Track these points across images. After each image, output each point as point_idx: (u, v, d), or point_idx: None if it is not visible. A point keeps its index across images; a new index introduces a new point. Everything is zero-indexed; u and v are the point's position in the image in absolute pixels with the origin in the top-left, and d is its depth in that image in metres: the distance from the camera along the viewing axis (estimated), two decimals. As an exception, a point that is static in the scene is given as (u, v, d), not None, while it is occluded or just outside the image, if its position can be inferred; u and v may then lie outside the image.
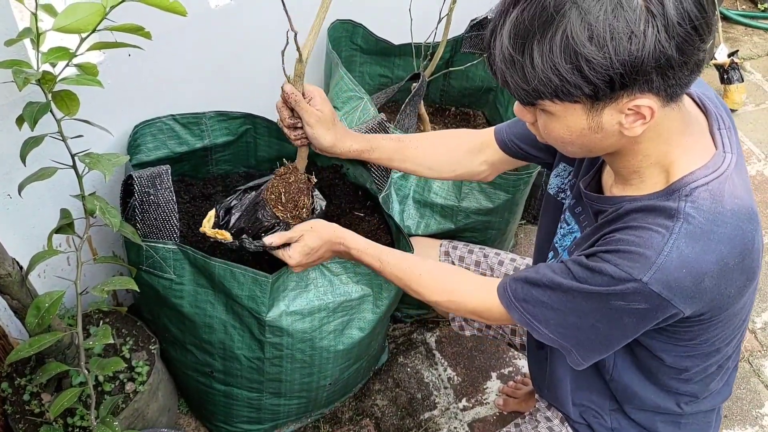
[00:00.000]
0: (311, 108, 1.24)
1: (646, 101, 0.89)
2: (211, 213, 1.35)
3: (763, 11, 3.21)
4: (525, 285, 1.09)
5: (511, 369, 1.92)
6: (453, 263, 1.59)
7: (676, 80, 0.88)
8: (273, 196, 1.31)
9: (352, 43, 1.90)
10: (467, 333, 1.61)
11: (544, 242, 1.30)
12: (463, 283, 1.22)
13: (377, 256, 1.26)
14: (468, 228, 1.71)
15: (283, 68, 1.18)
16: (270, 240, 1.28)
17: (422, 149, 1.37)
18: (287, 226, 1.31)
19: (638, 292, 0.95)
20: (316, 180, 1.36)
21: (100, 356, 1.43)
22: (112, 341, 1.18)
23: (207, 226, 1.34)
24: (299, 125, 1.26)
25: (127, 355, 1.46)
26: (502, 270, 1.56)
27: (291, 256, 1.27)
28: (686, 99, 1.00)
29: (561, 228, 1.24)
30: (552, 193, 1.27)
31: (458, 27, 1.93)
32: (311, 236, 1.27)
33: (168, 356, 1.57)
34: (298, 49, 1.15)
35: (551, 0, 0.85)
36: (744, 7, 3.27)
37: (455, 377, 1.89)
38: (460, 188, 1.65)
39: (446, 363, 1.92)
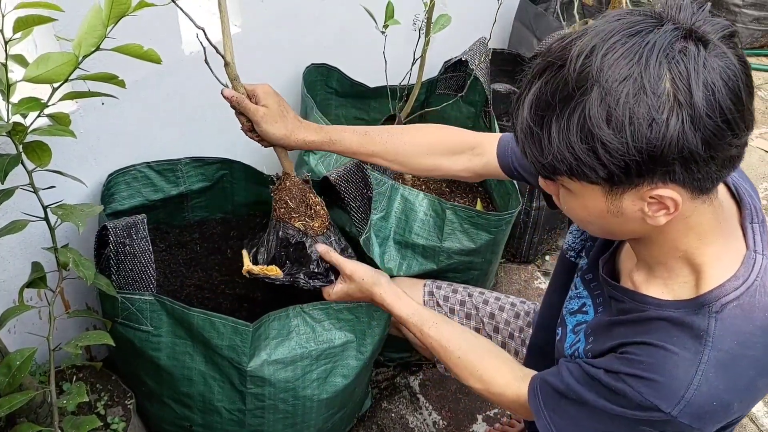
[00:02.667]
0: (254, 106, 1.24)
1: (669, 192, 0.84)
2: (244, 251, 1.35)
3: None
4: (554, 395, 1.06)
5: (496, 410, 1.89)
6: (437, 303, 1.57)
7: (702, 174, 0.83)
8: (283, 210, 1.30)
9: (328, 87, 1.91)
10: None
11: (554, 302, 1.27)
12: (498, 375, 1.20)
13: (419, 326, 1.27)
14: (450, 268, 1.70)
15: (215, 76, 1.20)
16: (323, 249, 1.33)
17: (392, 145, 1.33)
18: (314, 237, 1.33)
19: (666, 422, 0.92)
20: (309, 174, 1.37)
21: (74, 414, 1.38)
22: (87, 399, 1.14)
23: (249, 264, 1.32)
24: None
25: (102, 412, 1.41)
26: (487, 309, 1.55)
27: (330, 294, 1.33)
28: (720, 186, 0.95)
29: (570, 290, 1.20)
30: (567, 252, 1.24)
31: (433, 69, 1.95)
32: (355, 287, 1.32)
33: (145, 411, 1.52)
34: (220, 54, 1.18)
35: (574, 76, 0.82)
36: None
37: (440, 421, 1.85)
38: (441, 229, 1.64)
39: (431, 407, 1.89)
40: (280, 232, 1.31)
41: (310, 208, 1.33)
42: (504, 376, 1.19)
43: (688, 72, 0.79)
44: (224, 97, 1.23)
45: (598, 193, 0.88)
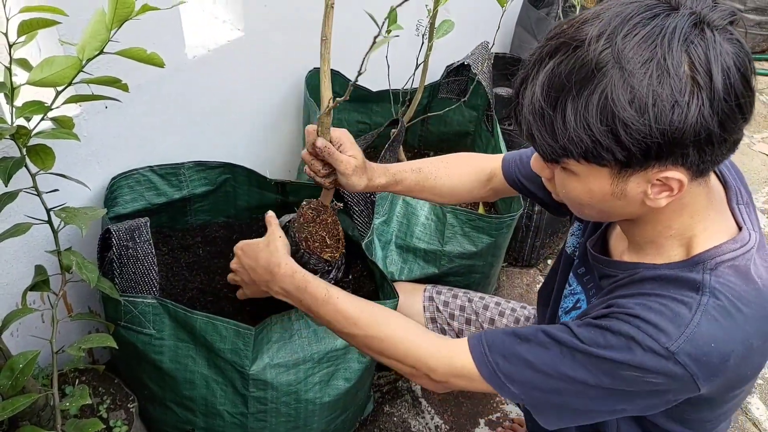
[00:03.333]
0: (344, 156, 1.16)
1: (677, 174, 0.84)
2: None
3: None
4: (507, 338, 0.99)
5: (498, 415, 1.88)
6: (437, 308, 1.57)
7: (711, 157, 0.84)
8: (317, 244, 1.25)
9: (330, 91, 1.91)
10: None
11: (549, 299, 1.26)
12: (420, 328, 1.10)
13: (324, 285, 1.14)
14: (452, 272, 1.70)
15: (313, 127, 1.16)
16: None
17: (440, 179, 1.31)
18: (337, 267, 1.31)
19: (661, 364, 0.88)
20: (341, 205, 1.32)
21: (76, 417, 1.38)
22: (89, 402, 1.14)
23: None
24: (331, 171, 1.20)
25: (105, 415, 1.41)
26: (487, 315, 1.54)
27: (241, 241, 1.24)
28: None
29: (565, 288, 1.19)
30: (569, 252, 1.23)
31: (435, 73, 1.96)
32: (267, 243, 1.20)
33: (147, 415, 1.52)
34: (313, 99, 1.12)
35: (593, 56, 0.81)
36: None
37: (443, 425, 1.85)
38: (443, 233, 1.65)
39: (433, 411, 1.88)
40: (310, 264, 1.26)
41: (339, 241, 1.29)
42: (427, 333, 1.09)
43: (707, 56, 0.80)
44: (316, 146, 1.15)
45: (605, 176, 0.87)
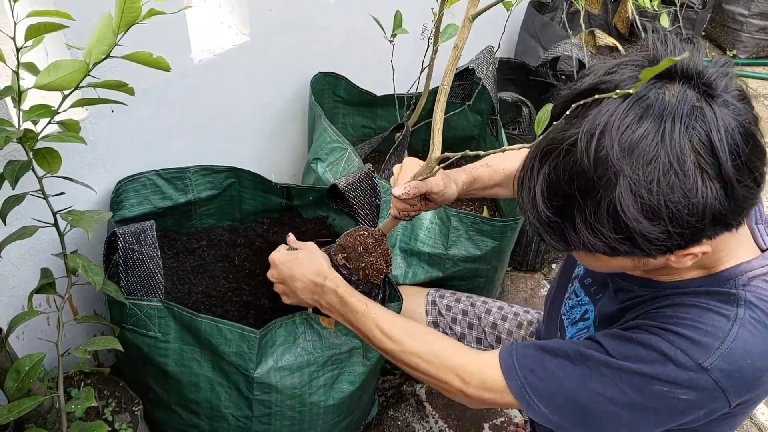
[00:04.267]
0: (433, 180, 1.16)
1: (699, 249, 0.81)
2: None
3: (732, 58, 3.30)
4: (537, 353, 0.97)
5: (503, 419, 1.88)
6: (440, 312, 1.57)
7: (731, 227, 0.81)
8: (375, 272, 1.25)
9: (335, 95, 1.92)
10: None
11: (554, 306, 1.24)
12: (454, 341, 1.11)
13: (364, 300, 1.17)
14: (456, 276, 1.70)
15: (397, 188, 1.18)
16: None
17: (506, 168, 1.31)
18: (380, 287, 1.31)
19: (692, 379, 0.85)
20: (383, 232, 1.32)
21: (81, 420, 1.38)
22: (95, 404, 1.14)
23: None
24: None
25: (110, 418, 1.41)
26: (489, 319, 1.54)
27: (277, 252, 1.24)
28: None
29: (569, 299, 1.17)
30: (575, 261, 1.22)
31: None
32: (307, 254, 1.22)
33: (152, 418, 1.52)
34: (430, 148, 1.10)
35: (590, 162, 0.75)
36: (714, 54, 3.36)
37: (447, 429, 1.85)
38: (447, 236, 1.65)
39: (437, 415, 1.88)
40: (358, 288, 1.25)
41: (390, 264, 1.28)
42: (459, 344, 1.10)
43: (710, 140, 0.74)
44: (399, 196, 1.15)
45: (626, 258, 0.84)
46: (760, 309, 0.86)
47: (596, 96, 0.76)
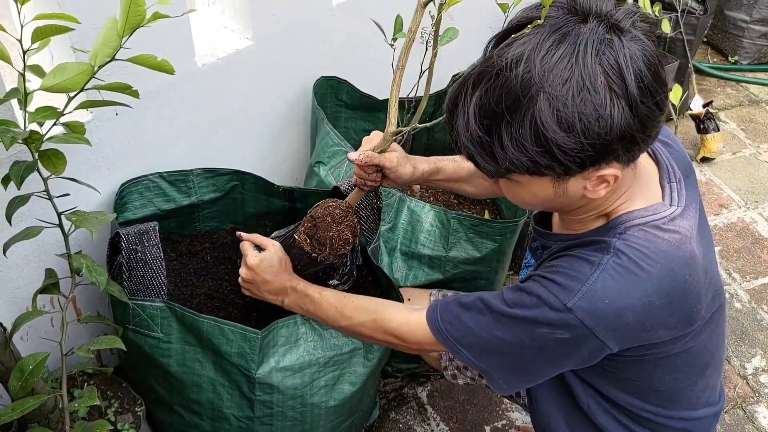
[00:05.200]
0: (387, 155, 1.26)
1: (611, 171, 0.92)
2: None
3: (733, 63, 3.31)
4: (455, 308, 1.10)
5: (504, 422, 1.89)
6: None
7: (639, 150, 0.92)
8: (342, 242, 1.33)
9: (337, 99, 1.93)
10: (460, 382, 1.59)
11: None
12: (392, 306, 1.24)
13: (318, 290, 1.29)
14: (456, 278, 1.71)
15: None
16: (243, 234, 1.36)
17: (468, 169, 1.39)
18: (351, 259, 1.37)
19: (562, 318, 0.97)
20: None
21: (84, 420, 1.39)
22: (98, 403, 1.15)
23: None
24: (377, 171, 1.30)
25: (113, 418, 1.42)
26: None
27: (254, 257, 1.31)
28: None
29: (523, 261, 1.31)
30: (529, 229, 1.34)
31: (440, 81, 1.97)
32: (279, 262, 1.31)
33: (154, 418, 1.53)
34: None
35: (516, 82, 0.86)
36: (716, 60, 3.37)
37: (448, 432, 1.86)
38: (447, 238, 1.66)
39: (439, 418, 1.89)
40: (328, 261, 1.34)
41: (356, 237, 1.36)
42: (400, 306, 1.23)
43: (618, 64, 0.86)
44: (355, 161, 1.25)
45: (546, 182, 0.94)
46: (626, 255, 0.97)
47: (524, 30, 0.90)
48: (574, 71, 0.85)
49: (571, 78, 0.85)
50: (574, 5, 0.91)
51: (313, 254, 1.33)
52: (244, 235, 1.37)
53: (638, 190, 1.03)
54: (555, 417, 1.26)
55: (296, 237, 1.34)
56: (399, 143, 1.69)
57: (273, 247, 1.34)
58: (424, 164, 1.35)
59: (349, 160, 1.26)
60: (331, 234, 1.32)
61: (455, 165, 1.40)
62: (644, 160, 1.07)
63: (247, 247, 1.34)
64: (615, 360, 1.06)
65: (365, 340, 1.31)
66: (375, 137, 1.31)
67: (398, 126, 1.24)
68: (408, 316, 1.18)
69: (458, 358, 1.10)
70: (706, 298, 1.04)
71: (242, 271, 1.34)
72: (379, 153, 1.26)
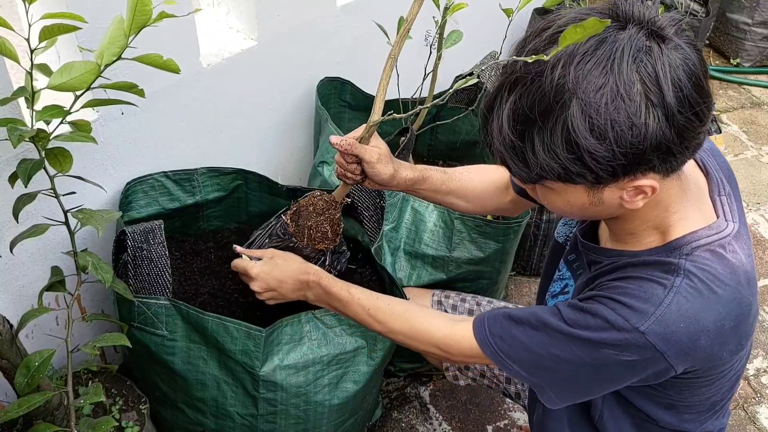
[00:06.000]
0: (369, 147, 1.23)
1: (648, 181, 0.89)
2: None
3: (735, 66, 3.31)
4: (505, 321, 1.07)
5: (506, 422, 1.89)
6: (446, 312, 1.58)
7: (677, 162, 0.89)
8: (319, 234, 1.34)
9: (341, 100, 1.94)
10: (461, 383, 1.60)
11: (543, 288, 1.30)
12: (430, 316, 1.21)
13: (346, 288, 1.26)
14: (460, 278, 1.71)
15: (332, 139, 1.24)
16: (239, 248, 1.35)
17: (464, 182, 1.37)
18: (328, 256, 1.38)
19: (632, 342, 0.94)
20: (349, 200, 1.39)
21: (89, 417, 1.40)
22: (103, 399, 1.16)
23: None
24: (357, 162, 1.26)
25: (117, 416, 1.43)
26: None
27: (254, 266, 1.29)
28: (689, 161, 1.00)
29: (555, 273, 1.24)
30: (561, 242, 1.28)
31: (444, 82, 1.98)
32: (283, 258, 1.30)
33: (159, 416, 1.54)
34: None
35: (551, 88, 0.84)
36: (717, 62, 3.37)
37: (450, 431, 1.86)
38: (450, 239, 1.66)
39: (441, 417, 1.89)
40: (303, 251, 1.35)
41: (338, 236, 1.36)
42: (440, 316, 1.21)
43: (656, 72, 0.84)
44: (335, 144, 1.22)
45: (580, 190, 0.92)
46: (698, 277, 0.94)
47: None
48: (608, 78, 0.83)
49: (606, 85, 0.83)
50: (616, 11, 0.88)
51: (293, 239, 1.34)
52: (239, 249, 1.36)
53: (691, 205, 1.00)
54: (558, 419, 1.24)
55: (283, 218, 1.36)
56: (402, 144, 1.70)
57: (267, 251, 1.33)
58: (408, 171, 1.30)
59: (330, 142, 1.23)
60: (310, 224, 1.32)
61: (444, 176, 1.36)
62: (693, 171, 1.04)
63: (243, 263, 1.33)
64: (670, 379, 1.02)
65: (401, 345, 1.27)
66: (361, 129, 1.28)
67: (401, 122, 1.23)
68: (452, 329, 1.15)
69: (507, 372, 1.08)
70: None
71: (253, 285, 1.32)
72: (360, 143, 1.23)
